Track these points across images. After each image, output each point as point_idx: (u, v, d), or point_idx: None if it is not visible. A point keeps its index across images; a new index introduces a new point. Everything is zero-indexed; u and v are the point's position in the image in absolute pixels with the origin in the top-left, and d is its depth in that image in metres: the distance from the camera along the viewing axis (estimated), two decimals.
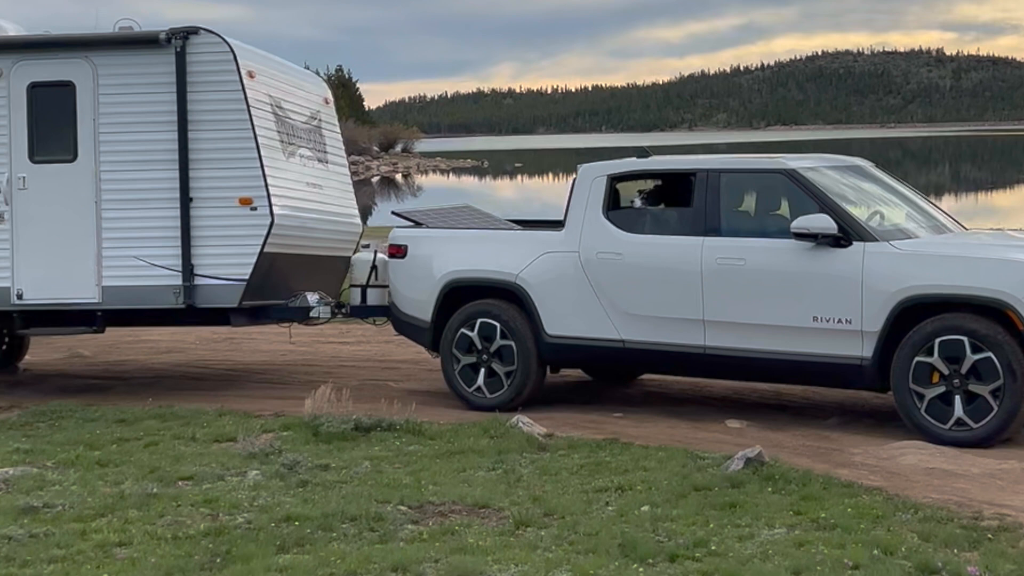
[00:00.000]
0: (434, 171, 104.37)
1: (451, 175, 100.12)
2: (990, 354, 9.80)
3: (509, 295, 11.73)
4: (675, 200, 11.51)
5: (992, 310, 9.90)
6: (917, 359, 10.05)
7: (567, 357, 11.63)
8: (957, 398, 9.94)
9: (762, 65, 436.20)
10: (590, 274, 11.35)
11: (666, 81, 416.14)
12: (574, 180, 11.79)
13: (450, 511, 7.66)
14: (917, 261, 10.17)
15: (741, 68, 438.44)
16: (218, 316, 12.58)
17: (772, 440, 10.16)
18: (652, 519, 7.30)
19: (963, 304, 10.00)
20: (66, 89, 12.48)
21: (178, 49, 12.24)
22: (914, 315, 10.15)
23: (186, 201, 12.25)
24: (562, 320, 11.49)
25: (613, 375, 12.88)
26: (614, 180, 11.56)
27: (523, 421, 9.91)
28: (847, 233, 10.38)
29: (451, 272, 11.95)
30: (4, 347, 14.61)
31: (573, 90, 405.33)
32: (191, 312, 12.41)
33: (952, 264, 10.07)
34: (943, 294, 10.04)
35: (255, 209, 12.19)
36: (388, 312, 12.64)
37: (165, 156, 12.30)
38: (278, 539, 7.00)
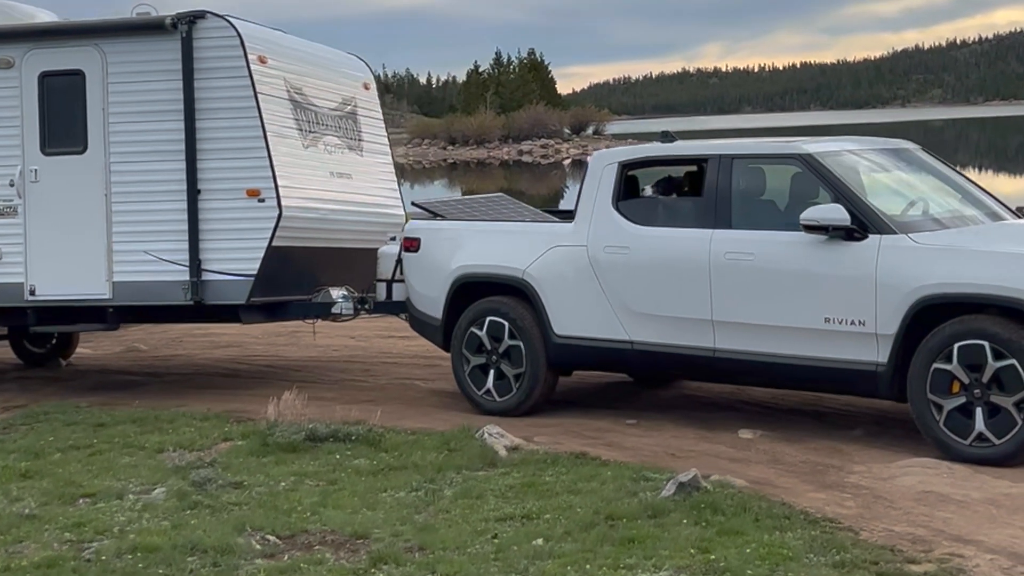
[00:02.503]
0: None
1: None
2: (1013, 361, 8.69)
3: (518, 292, 10.94)
4: (686, 189, 10.59)
5: (1015, 311, 8.77)
6: (935, 366, 8.98)
7: (576, 359, 10.80)
8: (978, 410, 8.86)
9: (980, 38, 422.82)
10: (597, 270, 10.51)
11: (878, 56, 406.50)
12: (586, 168, 10.93)
13: (320, 542, 6.96)
14: (935, 256, 9.09)
15: (958, 42, 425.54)
16: (230, 313, 12.04)
17: (774, 453, 9.24)
18: (531, 556, 6.49)
19: (984, 305, 8.89)
20: (76, 78, 12.09)
21: (184, 35, 11.73)
22: (932, 317, 9.07)
23: (194, 193, 11.76)
24: (570, 319, 10.67)
25: (649, 378, 11.97)
26: (625, 168, 10.67)
27: (492, 432, 9.13)
28: (863, 225, 9.33)
29: (461, 267, 11.22)
30: (53, 342, 14.33)
31: (781, 68, 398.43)
32: (201, 309, 11.89)
33: (970, 259, 8.97)
34: (961, 293, 8.95)
35: (263, 201, 11.62)
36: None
37: (173, 147, 11.83)
38: (105, 575, 6.36)
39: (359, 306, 12.45)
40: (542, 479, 8.02)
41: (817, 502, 7.79)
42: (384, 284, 12.32)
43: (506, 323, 10.89)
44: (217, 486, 8.01)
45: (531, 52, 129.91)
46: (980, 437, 8.83)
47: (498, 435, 9.02)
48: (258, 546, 6.77)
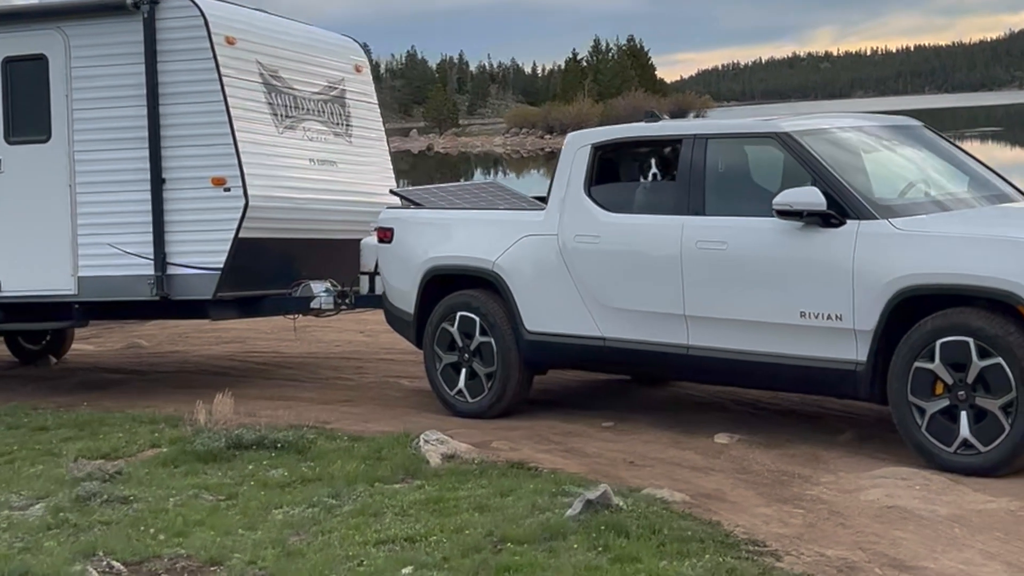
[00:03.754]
0: None
1: None
2: (1000, 359, 7.79)
3: (489, 285, 10.19)
4: (660, 173, 9.74)
5: (1002, 304, 7.85)
6: (916, 365, 8.10)
7: (548, 356, 10.02)
8: (963, 414, 7.96)
9: None
10: (568, 261, 9.73)
11: (995, 38, 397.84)
12: (561, 150, 10.15)
13: (167, 569, 6.31)
14: (916, 242, 8.20)
15: None
16: (198, 309, 11.42)
17: (744, 461, 8.45)
18: None
19: (968, 296, 7.98)
20: (39, 63, 11.53)
21: (146, 15, 11.11)
22: (914, 311, 8.19)
23: (158, 183, 11.16)
24: (542, 314, 9.91)
25: (647, 376, 11.13)
26: (598, 151, 9.86)
27: (430, 439, 8.39)
28: (841, 209, 8.46)
29: (431, 259, 10.50)
30: (48, 339, 13.84)
31: (894, 51, 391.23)
32: (168, 304, 11.28)
33: (954, 246, 8.06)
34: (942, 284, 8.06)
35: (229, 190, 10.99)
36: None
37: (137, 134, 11.22)
38: None
39: (339, 301, 11.77)
40: (455, 494, 7.27)
41: (758, 519, 6.99)
42: (367, 277, 11.65)
43: (477, 319, 10.17)
44: (101, 501, 7.37)
45: (630, 39, 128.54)
46: (965, 444, 7.95)
47: (437, 442, 8.29)
48: (96, 574, 6.09)
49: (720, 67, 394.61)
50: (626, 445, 9.06)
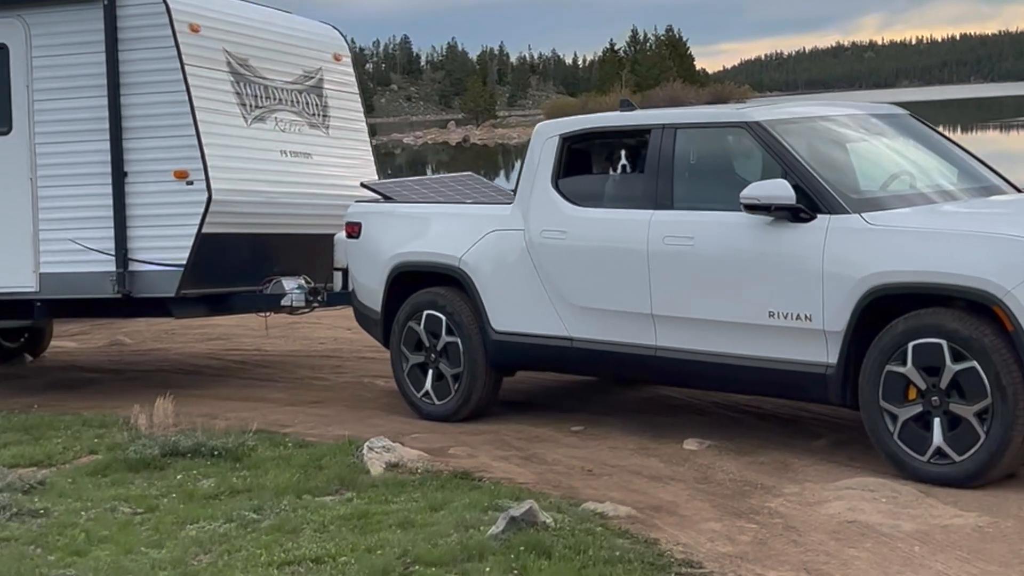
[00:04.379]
0: None
1: None
2: (974, 363, 7.29)
3: (455, 282, 9.75)
4: (629, 165, 9.26)
5: (977, 305, 7.36)
6: (888, 368, 7.62)
7: (515, 357, 9.57)
8: (936, 421, 7.47)
9: None
10: (535, 257, 9.29)
11: None
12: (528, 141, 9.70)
13: None
14: (889, 238, 7.71)
15: None
16: (162, 307, 11.02)
17: (708, 470, 8.03)
18: None
19: (942, 296, 7.49)
20: (0, 53, 11.12)
21: (107, 2, 10.71)
22: (886, 311, 7.70)
23: (120, 176, 10.76)
24: (509, 313, 9.47)
25: (615, 378, 10.65)
26: (566, 141, 9.40)
27: (376, 446, 7.97)
28: (812, 203, 7.98)
29: (398, 255, 10.07)
30: (26, 336, 13.50)
31: (939, 40, 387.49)
32: (132, 302, 10.89)
33: (928, 241, 7.57)
34: (914, 283, 7.56)
35: (191, 184, 10.59)
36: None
37: (100, 125, 10.83)
38: None
39: (311, 298, 11.35)
40: (385, 508, 6.84)
41: (704, 536, 6.55)
42: (340, 273, 11.22)
43: (443, 317, 9.73)
44: (10, 515, 6.96)
45: (668, 29, 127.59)
46: (939, 453, 7.46)
47: (382, 450, 7.86)
48: None
49: (764, 57, 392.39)
50: (590, 451, 8.63)
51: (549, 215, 9.24)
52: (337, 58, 12.60)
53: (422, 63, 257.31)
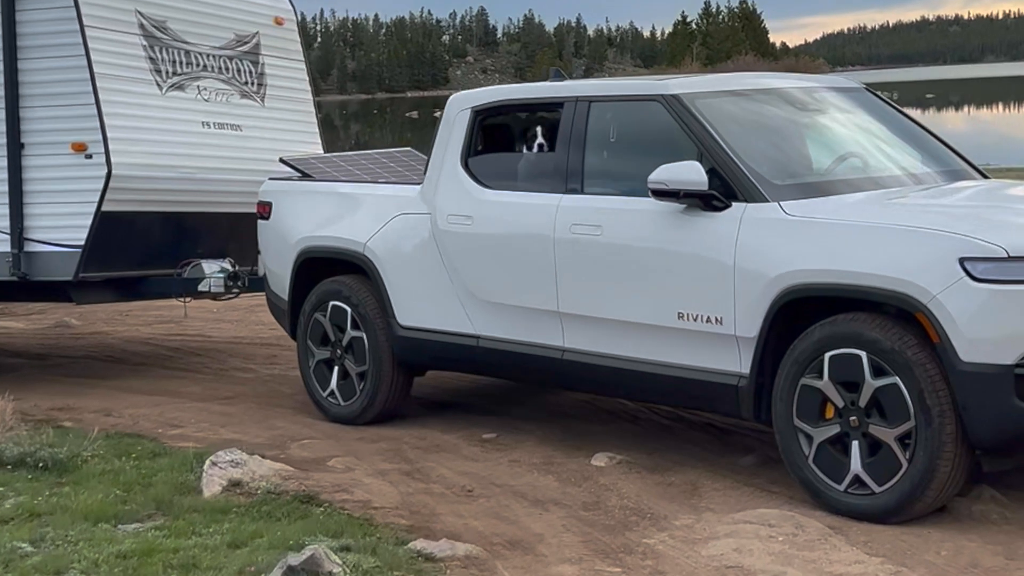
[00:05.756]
0: None
1: None
2: (896, 379, 6.23)
3: (361, 271, 8.78)
4: (542, 143, 8.23)
5: (900, 311, 6.29)
6: (803, 382, 6.57)
7: (421, 356, 8.59)
8: (855, 444, 6.41)
9: None
10: (441, 244, 8.29)
11: None
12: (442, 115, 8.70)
13: None
14: (804, 231, 6.66)
15: None
16: (62, 291, 10.13)
17: (605, 492, 7.08)
18: None
19: (862, 300, 6.42)
20: None
21: None
22: (802, 316, 6.65)
23: (16, 148, 9.86)
24: (415, 306, 8.50)
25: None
26: (479, 115, 8.38)
27: (221, 461, 7.02)
28: (727, 189, 6.93)
29: (303, 239, 9.11)
30: None
31: None
32: (30, 286, 10.01)
33: (847, 236, 6.50)
34: (829, 284, 6.49)
35: (90, 157, 9.69)
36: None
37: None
38: None
39: (231, 283, 10.41)
40: (181, 543, 5.86)
41: None
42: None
43: (349, 310, 8.77)
44: None
45: (743, 1, 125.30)
46: (857, 481, 6.42)
47: (228, 465, 6.91)
48: None
49: (846, 31, 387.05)
50: (486, 466, 7.66)
51: (456, 198, 8.26)
52: (278, 22, 11.61)
53: (498, 35, 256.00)
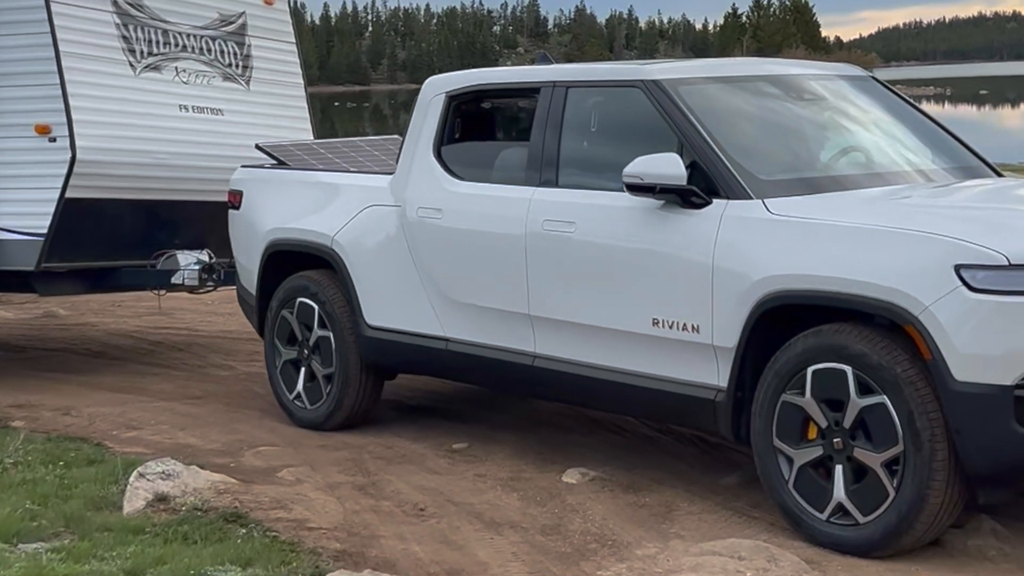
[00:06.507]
0: None
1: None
2: (883, 398, 5.58)
3: (329, 266, 8.21)
4: (518, 131, 7.63)
5: (889, 322, 5.65)
6: (784, 398, 5.93)
7: (389, 358, 8.00)
8: (838, 468, 5.77)
9: None
10: (410, 238, 7.70)
11: None
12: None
13: None
14: (788, 232, 6.02)
15: None
16: (24, 282, 9.61)
17: (568, 515, 6.50)
18: None
19: (846, 310, 5.78)
20: None
21: None
22: (784, 325, 6.02)
23: None
24: (383, 305, 7.92)
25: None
26: (452, 100, 7.78)
27: (152, 471, 6.46)
28: (709, 184, 6.30)
29: (272, 231, 8.55)
30: None
31: None
32: None
33: (832, 238, 5.87)
34: (811, 291, 5.85)
35: (54, 140, 9.17)
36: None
37: None
38: None
39: (205, 276, 9.86)
40: (73, 569, 5.30)
41: None
42: None
43: (316, 307, 8.19)
44: None
45: None
46: (840, 510, 5.79)
47: (158, 476, 6.35)
48: None
49: (902, 26, 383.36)
50: (448, 480, 7.08)
51: (427, 190, 7.66)
52: (268, 2, 11.03)
53: (549, 26, 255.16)
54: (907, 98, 7.65)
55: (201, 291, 10.16)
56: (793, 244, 5.94)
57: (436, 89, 7.86)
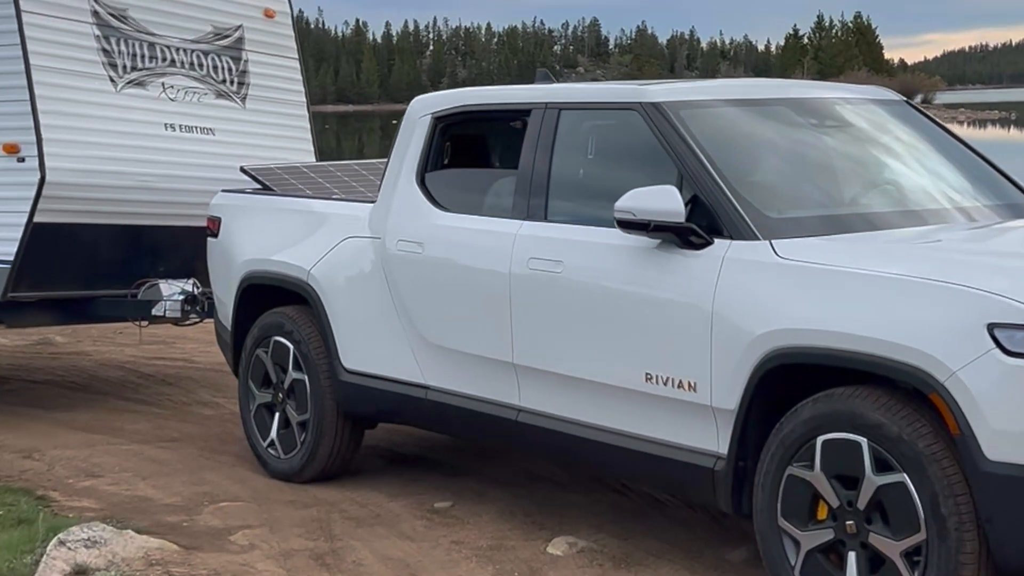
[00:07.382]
0: (952, 122, 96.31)
1: (968, 126, 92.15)
2: (903, 477, 4.75)
3: (305, 302, 7.47)
4: (506, 157, 6.86)
5: (911, 387, 4.83)
6: (790, 471, 5.11)
7: (366, 405, 7.24)
8: (851, 556, 4.95)
9: None
10: (389, 274, 6.94)
11: None
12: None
13: None
14: (798, 279, 5.20)
15: None
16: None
17: None
18: None
19: (862, 372, 4.96)
20: None
21: None
22: (792, 386, 5.20)
23: None
24: (360, 347, 7.16)
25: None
26: (439, 123, 7.02)
27: (75, 539, 5.75)
28: (711, 223, 5.50)
29: (248, 262, 7.82)
30: None
31: None
32: None
33: (849, 288, 5.04)
34: (821, 349, 5.03)
35: (23, 161, 8.49)
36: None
37: None
38: None
39: (188, 307, 9.14)
40: None
41: None
42: None
43: (291, 347, 7.44)
44: None
45: (857, 16, 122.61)
46: None
47: (83, 544, 5.63)
48: None
49: (968, 49, 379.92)
50: (419, 548, 6.32)
51: (408, 220, 6.91)
52: (268, 14, 10.31)
53: (610, 46, 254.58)
54: (944, 125, 6.80)
55: (185, 323, 9.44)
56: (802, 293, 5.13)
57: (422, 110, 7.11)
